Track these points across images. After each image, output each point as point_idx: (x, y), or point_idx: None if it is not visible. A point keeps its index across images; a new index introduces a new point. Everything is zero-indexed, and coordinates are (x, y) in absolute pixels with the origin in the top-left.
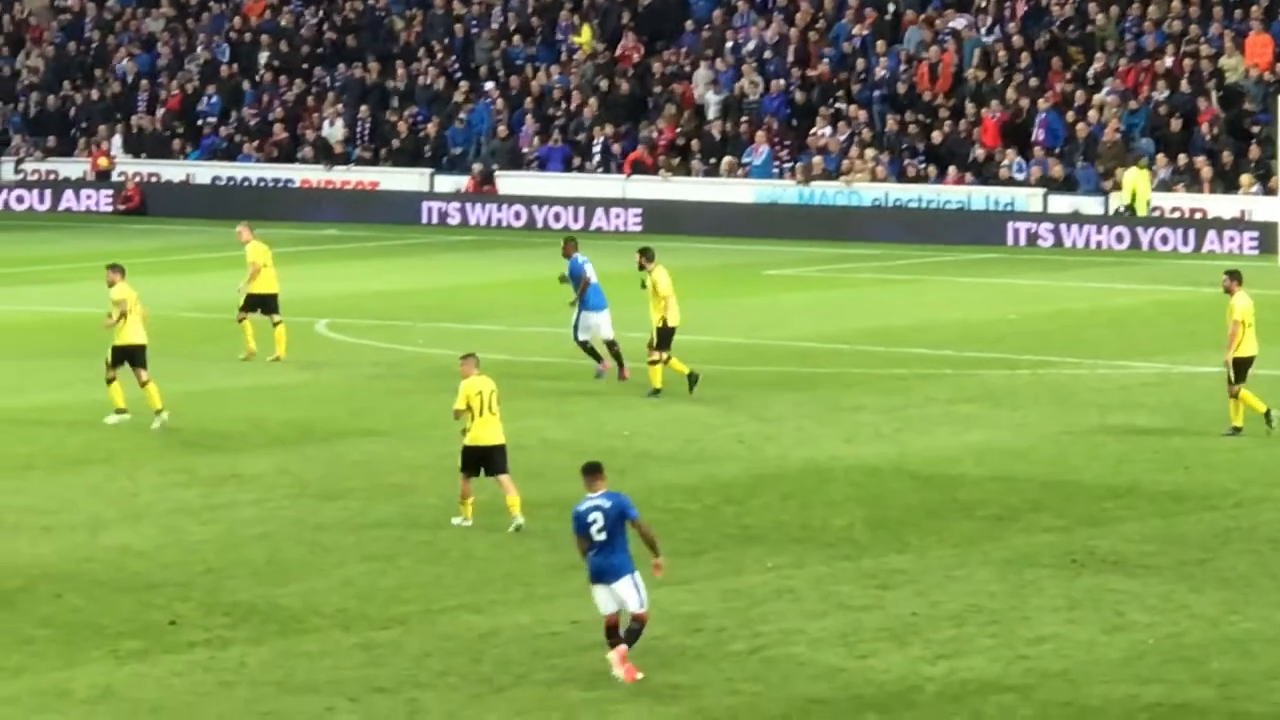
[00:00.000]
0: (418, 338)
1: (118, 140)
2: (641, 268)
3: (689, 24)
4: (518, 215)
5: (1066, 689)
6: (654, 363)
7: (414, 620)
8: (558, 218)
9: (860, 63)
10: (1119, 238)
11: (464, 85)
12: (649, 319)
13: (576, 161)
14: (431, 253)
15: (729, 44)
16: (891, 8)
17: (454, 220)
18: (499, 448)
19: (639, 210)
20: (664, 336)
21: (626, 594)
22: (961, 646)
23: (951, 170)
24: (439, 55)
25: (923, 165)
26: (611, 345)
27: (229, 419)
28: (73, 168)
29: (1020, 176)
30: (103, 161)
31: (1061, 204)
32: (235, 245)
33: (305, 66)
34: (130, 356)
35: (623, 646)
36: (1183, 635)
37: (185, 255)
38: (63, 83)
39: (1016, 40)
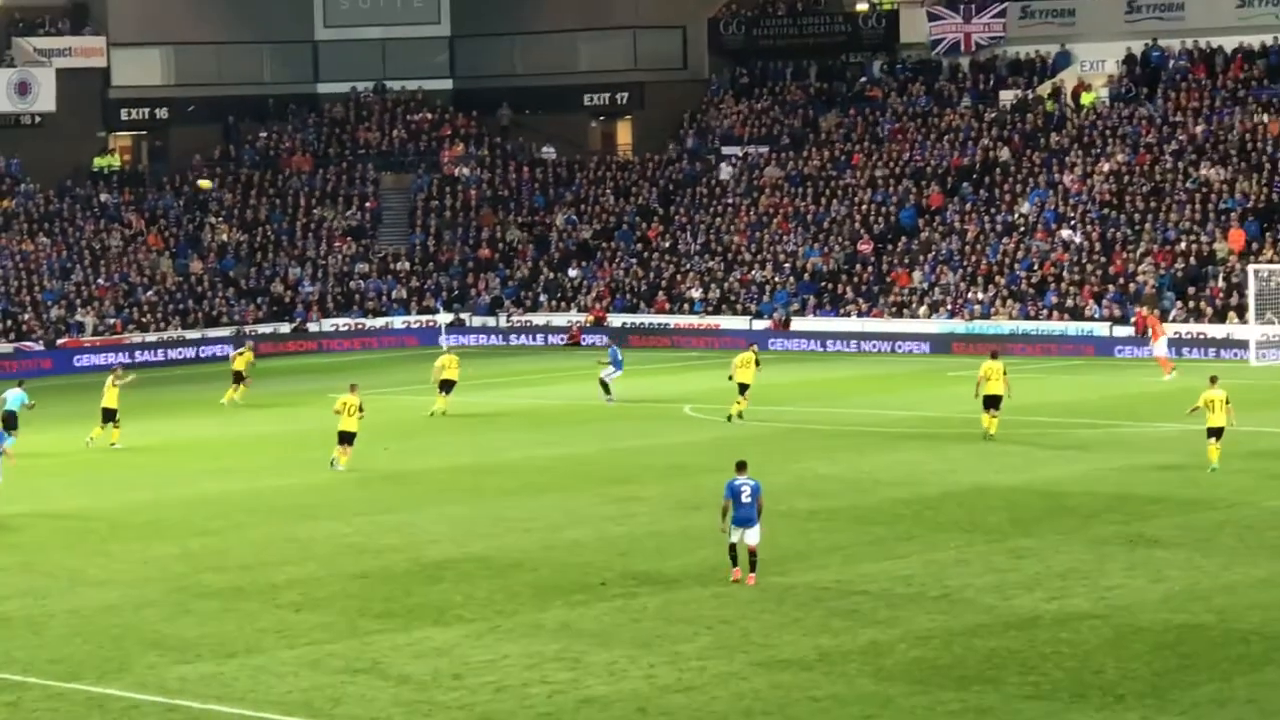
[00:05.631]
0: None
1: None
2: (994, 355)
3: None
4: None
5: (1128, 615)
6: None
7: None
8: None
9: None
10: None
11: None
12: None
13: None
14: None
15: None
16: None
17: None
18: (354, 433)
19: None
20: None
21: (752, 535)
22: (1066, 592)
23: None
24: None
25: None
26: (604, 382)
27: None
28: (539, 318)
29: None
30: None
31: None
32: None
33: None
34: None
35: (751, 575)
36: (1196, 584)
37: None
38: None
39: None
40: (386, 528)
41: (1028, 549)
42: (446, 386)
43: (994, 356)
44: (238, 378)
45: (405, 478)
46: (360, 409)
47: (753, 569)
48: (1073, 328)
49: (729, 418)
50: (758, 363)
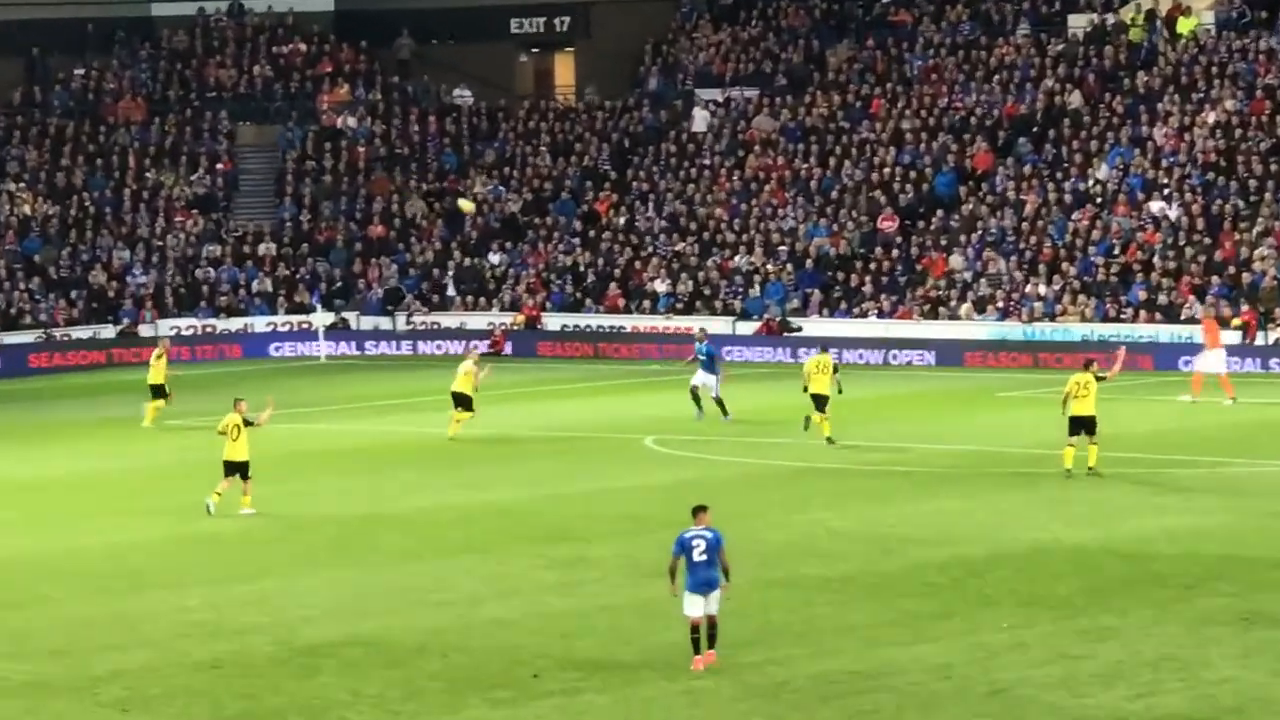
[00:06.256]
0: None
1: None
2: (1087, 365)
3: None
4: None
5: (1240, 719)
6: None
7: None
8: None
9: None
10: None
11: None
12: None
13: None
14: None
15: None
16: None
17: None
18: (245, 462)
19: None
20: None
21: (714, 603)
22: (1157, 687)
23: None
24: None
25: None
26: (717, 400)
27: None
28: (450, 319)
29: None
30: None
31: None
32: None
33: None
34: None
35: (710, 651)
36: None
37: (535, 388)
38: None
39: None
40: (245, 600)
41: (1106, 629)
42: (460, 402)
43: (1087, 367)
44: (158, 392)
45: (272, 532)
46: (247, 423)
47: (711, 643)
48: (1164, 332)
49: (829, 440)
50: (836, 369)
